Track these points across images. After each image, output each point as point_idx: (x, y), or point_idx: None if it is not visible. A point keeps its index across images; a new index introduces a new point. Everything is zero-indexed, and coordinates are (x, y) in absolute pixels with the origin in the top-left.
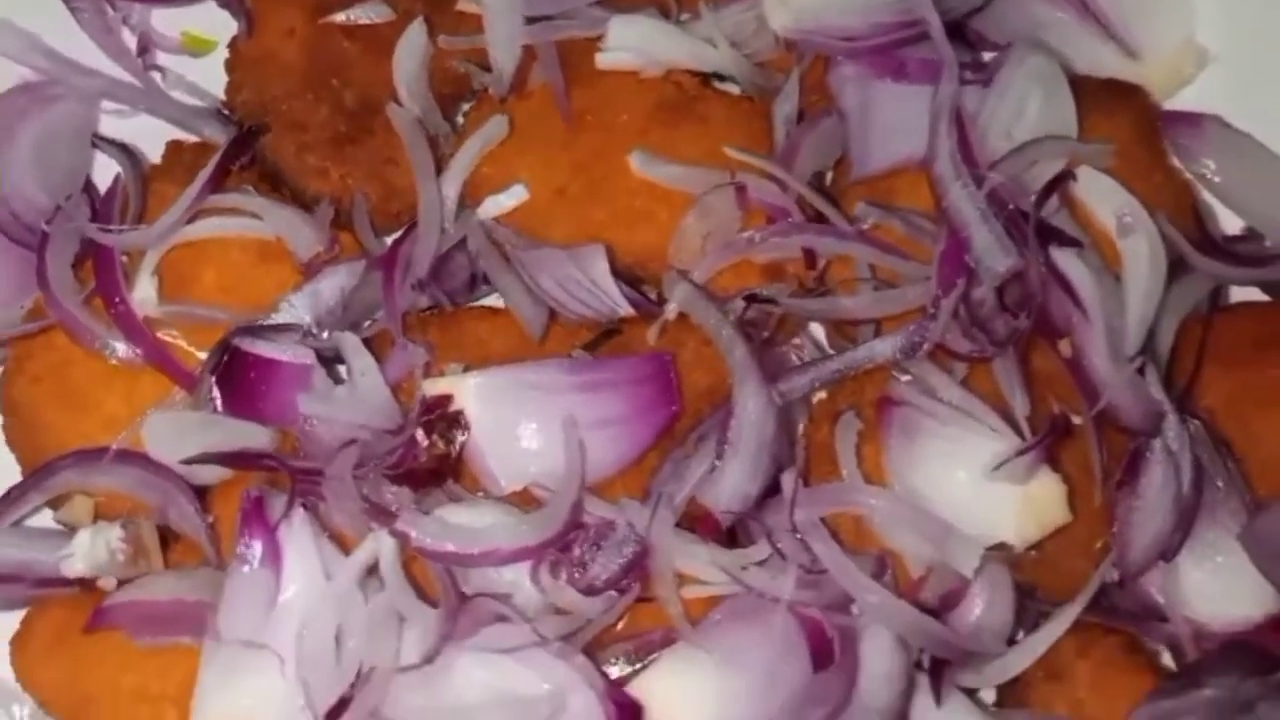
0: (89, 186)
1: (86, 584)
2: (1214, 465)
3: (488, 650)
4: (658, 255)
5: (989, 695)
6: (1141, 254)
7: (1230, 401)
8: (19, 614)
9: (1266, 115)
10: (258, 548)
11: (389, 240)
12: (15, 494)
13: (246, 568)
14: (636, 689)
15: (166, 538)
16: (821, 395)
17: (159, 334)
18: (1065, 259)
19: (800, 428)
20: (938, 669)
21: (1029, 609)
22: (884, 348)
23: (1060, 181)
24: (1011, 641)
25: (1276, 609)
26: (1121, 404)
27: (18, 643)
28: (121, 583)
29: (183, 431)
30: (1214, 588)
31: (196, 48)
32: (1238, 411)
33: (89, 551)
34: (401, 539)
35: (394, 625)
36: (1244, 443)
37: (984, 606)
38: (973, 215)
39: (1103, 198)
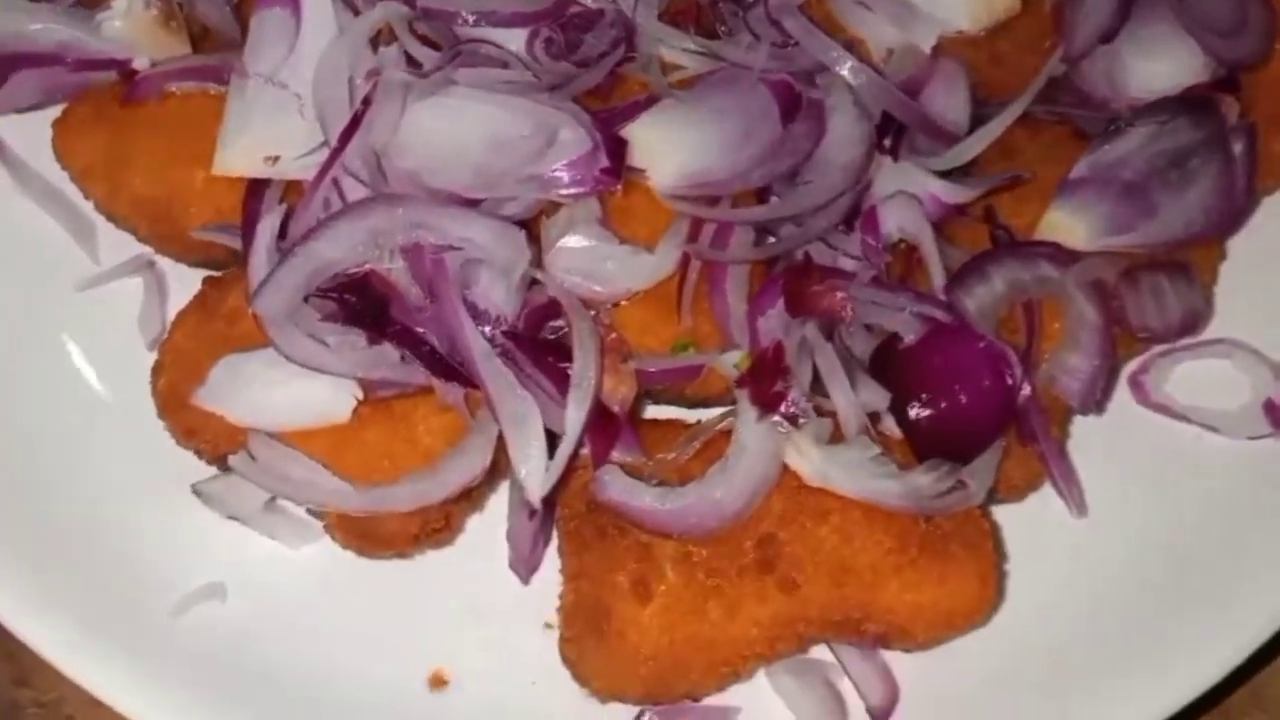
0: None
1: (122, 68)
2: None
3: (485, 88)
4: None
5: None
6: None
7: None
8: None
9: None
10: None
11: None
12: None
13: (269, 8)
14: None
15: (193, 39)
16: None
17: None
18: None
19: None
20: (897, 134)
21: (986, 114)
22: None
23: None
24: None
25: (1204, 76)
26: None
27: (59, 124)
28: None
29: None
30: (1149, 65)
31: None
32: None
33: (126, 9)
34: (408, 2)
35: (401, 69)
36: None
37: (941, 94)
38: None
39: None
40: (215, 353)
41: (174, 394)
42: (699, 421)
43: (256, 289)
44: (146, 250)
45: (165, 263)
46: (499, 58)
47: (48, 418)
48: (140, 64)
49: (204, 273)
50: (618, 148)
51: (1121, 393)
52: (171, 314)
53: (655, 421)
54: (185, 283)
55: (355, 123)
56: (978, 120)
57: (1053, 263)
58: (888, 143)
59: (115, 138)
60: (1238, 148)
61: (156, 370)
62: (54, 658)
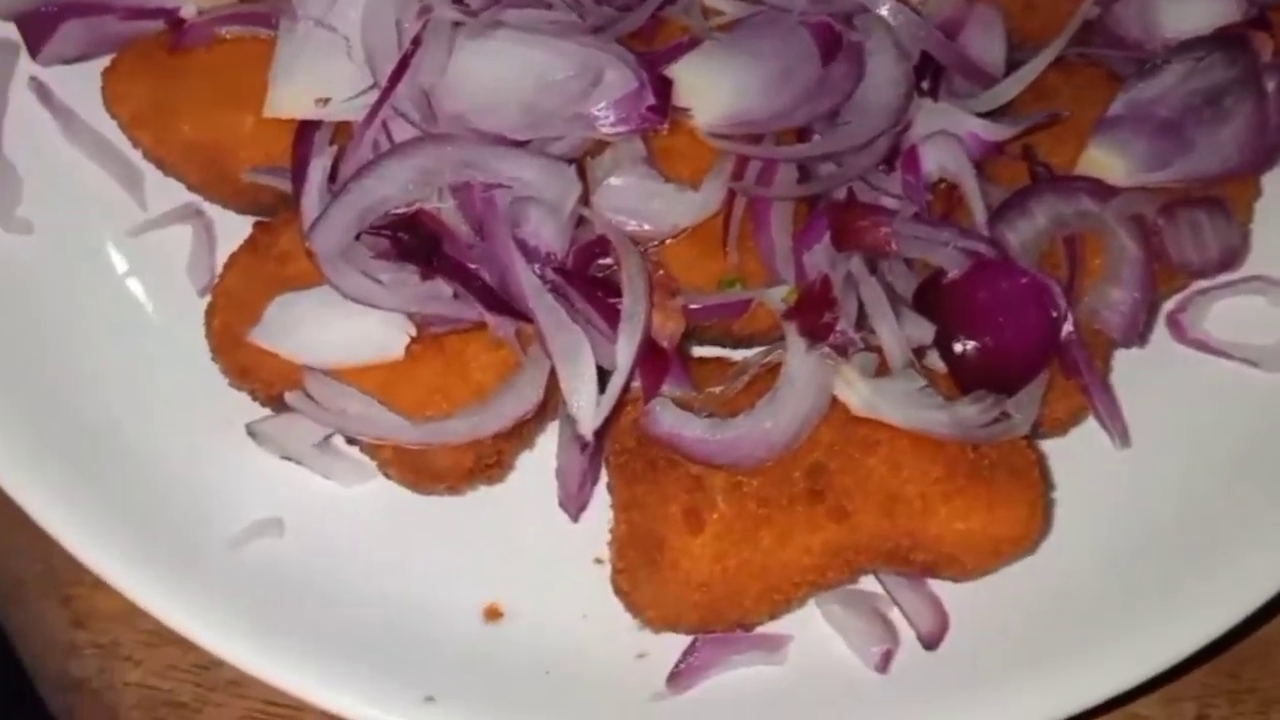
0: None
1: (170, 16)
2: None
3: (530, 31)
4: None
5: None
6: None
7: None
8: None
9: None
10: None
11: None
12: None
13: None
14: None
15: None
16: None
17: None
18: None
19: None
20: (936, 75)
21: (1020, 61)
22: None
23: None
24: None
25: (1236, 15)
26: None
27: (108, 73)
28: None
29: None
30: (1182, 7)
31: None
32: None
33: None
34: None
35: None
36: None
37: (978, 38)
38: None
39: None
40: (268, 293)
41: (228, 334)
42: (746, 359)
43: (311, 225)
44: (195, 198)
45: (213, 211)
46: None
47: (107, 356)
48: (188, 12)
49: (251, 221)
50: (663, 86)
51: (1161, 332)
52: (220, 262)
53: (703, 360)
54: (233, 231)
55: (404, 64)
56: (1013, 67)
57: (1093, 197)
58: (926, 84)
59: (164, 85)
60: (1271, 85)
61: (210, 311)
62: (117, 581)
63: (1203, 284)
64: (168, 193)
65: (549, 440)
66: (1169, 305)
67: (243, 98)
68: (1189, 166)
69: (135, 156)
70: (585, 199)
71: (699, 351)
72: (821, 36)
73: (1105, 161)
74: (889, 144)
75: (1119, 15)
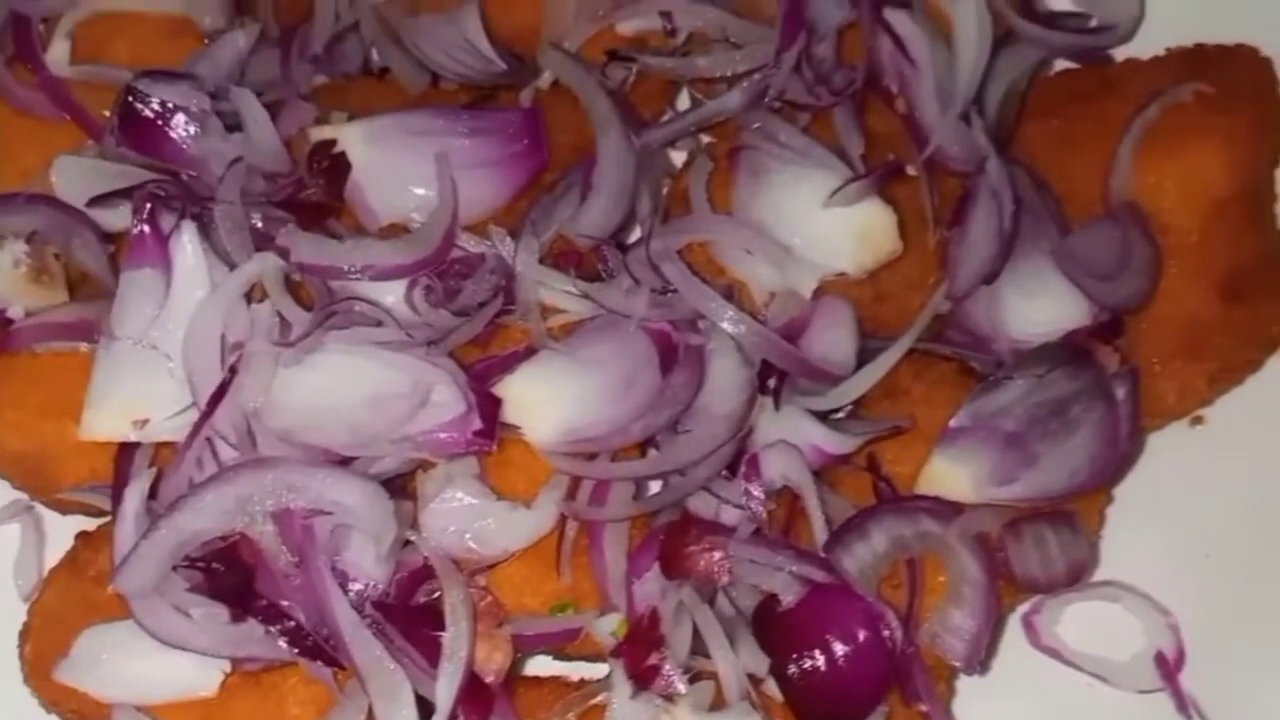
0: None
1: None
2: (1032, 201)
3: (358, 346)
4: (533, 33)
5: None
6: (969, 17)
7: (1047, 147)
8: None
9: None
10: (150, 248)
11: None
12: None
13: (138, 269)
14: (498, 390)
15: (72, 282)
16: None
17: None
18: (897, 18)
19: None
20: (780, 378)
21: (871, 349)
22: (733, 99)
23: None
24: None
25: (1086, 319)
26: (948, 148)
27: None
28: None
29: (90, 173)
30: (1030, 307)
31: None
32: (1054, 155)
33: None
34: (282, 254)
35: (274, 331)
36: (1059, 182)
37: (825, 333)
38: None
39: None
40: (84, 618)
41: (40, 662)
42: (582, 680)
43: (118, 566)
44: (24, 495)
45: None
46: (372, 316)
47: None
48: (15, 313)
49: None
50: (492, 408)
51: (1014, 634)
52: (51, 559)
53: (535, 680)
54: (68, 525)
55: (223, 389)
56: (866, 356)
57: (934, 518)
58: (771, 383)
59: None
60: (1121, 393)
61: (23, 635)
62: None
63: None
64: None
65: None
66: (1024, 607)
67: (68, 407)
68: (1036, 483)
69: None
70: (413, 519)
71: (535, 663)
72: (661, 343)
73: (950, 475)
74: (732, 452)
75: (969, 311)
